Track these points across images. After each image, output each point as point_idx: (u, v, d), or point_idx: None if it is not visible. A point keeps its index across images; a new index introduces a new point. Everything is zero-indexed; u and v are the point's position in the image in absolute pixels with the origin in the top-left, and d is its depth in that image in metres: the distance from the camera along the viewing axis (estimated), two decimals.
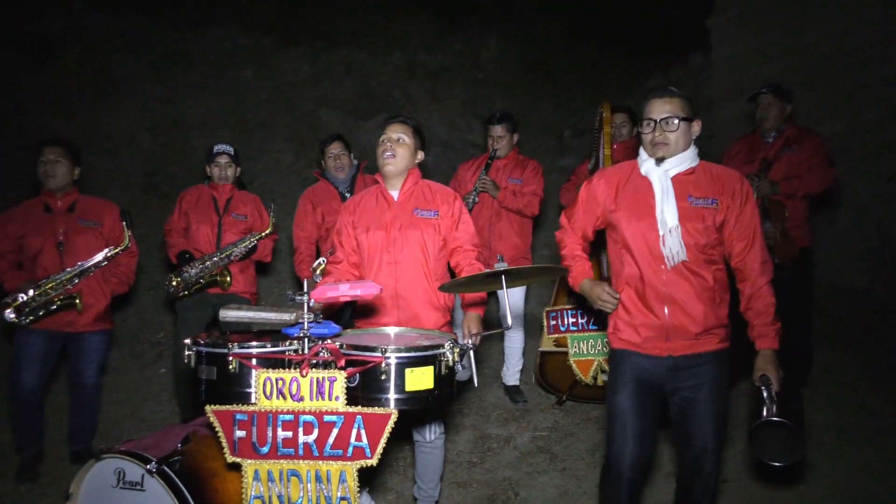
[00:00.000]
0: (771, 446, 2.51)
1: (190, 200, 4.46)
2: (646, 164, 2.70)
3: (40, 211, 4.00)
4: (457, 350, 2.38)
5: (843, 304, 6.30)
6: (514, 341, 4.81)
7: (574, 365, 4.27)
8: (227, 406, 2.28)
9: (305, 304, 2.30)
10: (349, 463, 2.25)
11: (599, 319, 4.14)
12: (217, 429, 2.28)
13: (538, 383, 4.80)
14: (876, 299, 6.26)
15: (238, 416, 2.27)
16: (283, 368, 2.31)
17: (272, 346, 2.37)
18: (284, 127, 8.52)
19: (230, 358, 2.32)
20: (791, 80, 7.16)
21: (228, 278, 4.31)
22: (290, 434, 2.26)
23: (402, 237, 3.05)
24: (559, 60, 10.38)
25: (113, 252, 4.03)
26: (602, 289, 2.71)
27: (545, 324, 4.43)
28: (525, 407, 4.69)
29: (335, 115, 8.69)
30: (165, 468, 2.47)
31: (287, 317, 2.31)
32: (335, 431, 2.25)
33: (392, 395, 2.30)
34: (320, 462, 2.26)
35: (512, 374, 4.87)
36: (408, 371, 2.30)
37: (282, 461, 2.27)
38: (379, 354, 2.29)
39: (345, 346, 2.34)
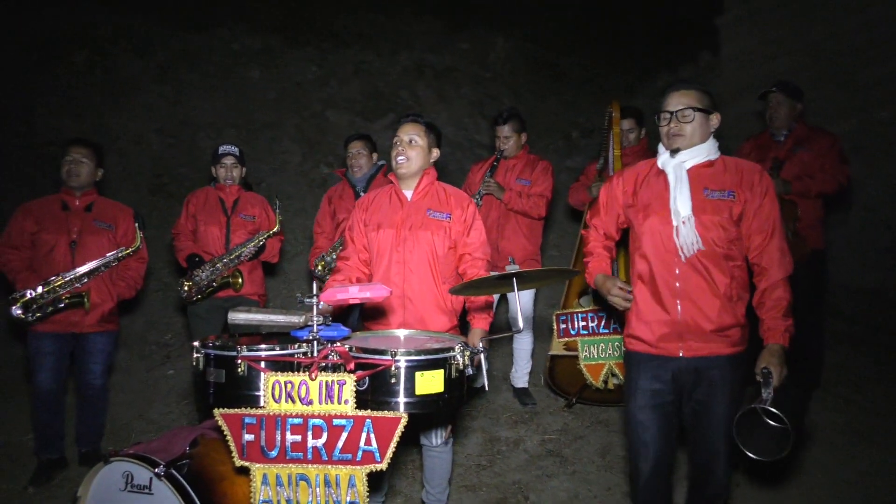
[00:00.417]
0: (758, 439, 2.43)
1: (197, 203, 4.47)
2: (662, 156, 2.71)
3: (58, 208, 4.03)
4: (467, 353, 2.35)
5: (855, 303, 6.26)
6: (523, 343, 4.78)
7: (584, 369, 4.22)
8: (236, 409, 2.26)
9: (315, 307, 2.28)
10: (358, 467, 2.22)
11: (611, 322, 4.11)
12: (225, 432, 2.26)
13: (547, 386, 4.76)
14: (887, 299, 6.21)
15: (247, 420, 2.25)
16: (292, 371, 2.29)
17: (281, 349, 2.35)
18: (292, 128, 8.51)
19: (239, 361, 2.30)
20: (801, 78, 7.10)
21: (240, 280, 4.32)
22: (298, 438, 2.24)
23: (412, 237, 3.03)
24: (567, 60, 10.34)
25: (123, 253, 4.05)
26: (614, 283, 2.72)
27: (555, 327, 4.38)
28: (534, 409, 4.66)
29: (343, 116, 8.68)
30: (174, 472, 2.46)
31: (296, 319, 2.29)
32: (344, 435, 2.22)
33: (402, 399, 2.28)
34: (329, 466, 2.24)
35: (521, 376, 4.84)
36: (418, 374, 2.27)
37: (290, 465, 2.25)
38: (389, 357, 2.26)
39: (354, 348, 2.32)
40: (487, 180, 4.55)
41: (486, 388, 2.50)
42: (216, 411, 2.26)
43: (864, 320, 5.95)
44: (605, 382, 4.19)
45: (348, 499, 2.24)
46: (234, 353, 2.30)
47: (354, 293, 2.30)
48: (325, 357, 2.30)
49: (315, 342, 2.32)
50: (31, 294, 3.75)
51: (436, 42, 9.88)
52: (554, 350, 4.45)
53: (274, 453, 2.25)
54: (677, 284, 2.59)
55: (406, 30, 9.91)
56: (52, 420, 4.04)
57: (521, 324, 2.36)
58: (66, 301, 3.85)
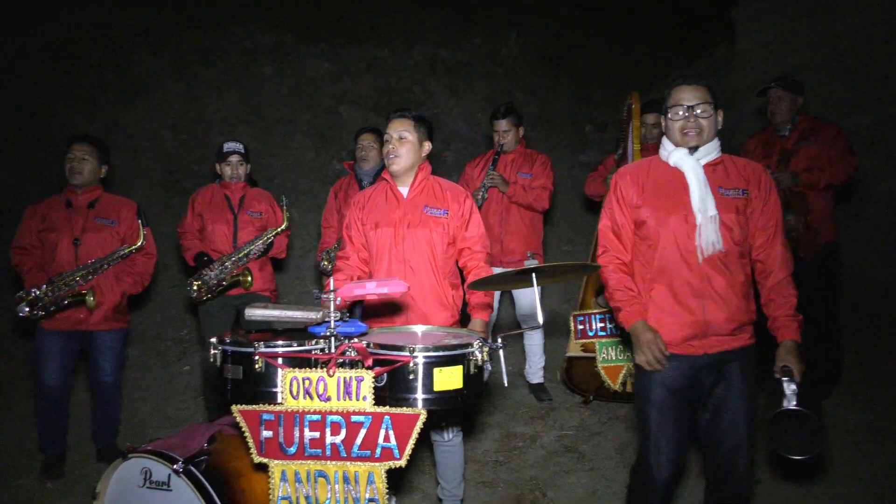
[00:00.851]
0: (788, 439, 2.42)
1: (202, 201, 4.45)
2: (676, 153, 2.61)
3: (62, 206, 4.03)
4: (486, 349, 2.32)
5: (874, 299, 6.17)
6: (534, 338, 4.76)
7: (602, 371, 4.18)
8: (254, 406, 2.25)
9: (332, 303, 2.27)
10: (377, 464, 2.21)
11: None
12: (244, 429, 2.25)
13: (564, 384, 4.73)
14: None
15: (265, 416, 2.24)
16: (309, 368, 2.28)
17: (298, 346, 2.33)
18: (305, 124, 8.51)
19: (256, 357, 2.29)
20: (818, 72, 7.03)
21: (249, 278, 4.31)
22: (317, 434, 2.23)
23: (411, 235, 3.02)
24: (580, 54, 10.26)
25: (127, 250, 4.04)
26: (657, 345, 2.53)
27: (572, 328, 4.33)
28: (551, 405, 4.63)
29: (356, 112, 8.66)
30: (192, 468, 2.46)
31: (313, 315, 2.27)
32: (363, 432, 2.21)
33: (420, 395, 2.25)
34: (348, 463, 2.22)
35: (535, 371, 4.82)
36: (436, 371, 2.25)
37: (309, 462, 2.24)
38: (407, 354, 2.24)
39: (372, 345, 2.30)
40: (492, 174, 4.53)
41: (506, 384, 2.47)
42: (234, 408, 2.25)
43: (886, 316, 5.86)
44: (624, 385, 4.14)
45: (367, 495, 2.23)
46: (252, 350, 2.29)
47: (372, 289, 2.28)
48: (343, 353, 2.29)
49: (332, 338, 2.31)
50: (35, 293, 3.76)
51: (448, 37, 9.83)
52: (571, 351, 4.41)
53: (292, 450, 2.24)
54: (699, 284, 2.55)
55: (418, 25, 9.87)
56: (56, 417, 4.06)
57: (540, 319, 2.33)
58: (70, 299, 3.85)
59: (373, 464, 2.21)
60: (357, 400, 2.21)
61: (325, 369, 2.23)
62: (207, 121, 8.13)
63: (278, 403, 2.27)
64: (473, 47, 9.86)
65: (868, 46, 6.72)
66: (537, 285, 2.30)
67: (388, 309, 3.08)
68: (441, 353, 2.26)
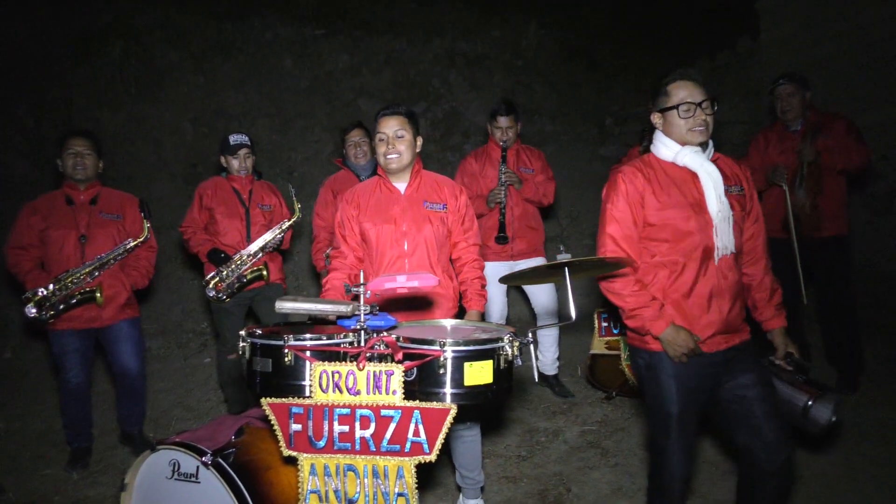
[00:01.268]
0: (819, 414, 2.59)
1: (212, 195, 4.36)
2: (686, 153, 2.54)
3: (62, 203, 3.96)
4: (516, 343, 2.30)
5: None
6: (546, 329, 4.71)
7: (627, 369, 4.14)
8: (283, 399, 2.24)
9: (361, 296, 2.25)
10: (407, 458, 2.19)
11: None
12: (273, 422, 2.25)
13: (587, 381, 4.70)
14: None
15: (294, 410, 2.23)
16: (338, 361, 2.27)
17: (327, 339, 2.32)
18: (324, 117, 8.51)
19: (286, 350, 2.28)
20: (845, 64, 6.93)
21: (265, 271, 4.29)
22: (346, 428, 2.21)
23: (413, 230, 3.02)
24: (600, 46, 10.18)
25: (132, 244, 4.02)
26: (692, 338, 2.48)
27: (596, 325, 4.30)
28: (572, 401, 4.60)
29: (374, 105, 8.64)
30: (221, 461, 2.46)
31: (344, 308, 2.25)
32: (392, 426, 2.19)
33: (450, 390, 2.23)
34: (377, 457, 2.21)
35: (548, 363, 4.74)
36: (466, 365, 2.22)
37: (338, 455, 2.23)
38: (437, 348, 2.21)
39: (402, 338, 2.28)
40: (508, 172, 4.48)
41: (536, 380, 2.44)
42: (263, 401, 2.24)
43: None
44: None
45: (396, 490, 2.21)
46: (281, 343, 2.28)
47: (402, 282, 2.26)
48: (372, 347, 2.27)
49: (362, 331, 2.29)
50: (42, 292, 3.74)
51: (467, 30, 9.79)
52: (595, 349, 4.38)
53: (322, 443, 2.22)
54: (717, 282, 2.53)
55: (438, 18, 9.83)
56: (82, 412, 4.08)
57: (573, 313, 2.29)
58: (79, 297, 3.83)
59: (402, 458, 2.19)
60: (387, 394, 2.19)
61: (354, 363, 2.21)
62: (228, 114, 8.16)
63: (307, 397, 2.25)
64: (493, 40, 9.81)
65: (892, 38, 6.60)
66: (570, 279, 2.27)
67: (390, 302, 3.07)
68: (472, 348, 2.23)
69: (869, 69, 6.74)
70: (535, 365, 2.31)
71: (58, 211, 3.94)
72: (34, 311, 3.72)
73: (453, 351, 2.22)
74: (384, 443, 2.20)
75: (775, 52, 7.98)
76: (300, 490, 2.26)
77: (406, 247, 3.01)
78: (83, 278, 3.85)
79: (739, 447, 2.59)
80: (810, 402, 2.59)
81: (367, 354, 2.26)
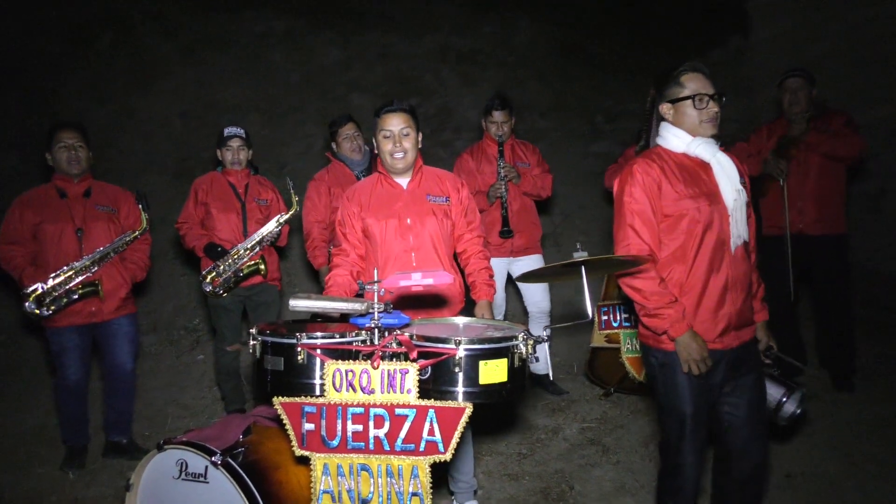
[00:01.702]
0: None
1: (207, 189, 4.31)
2: (700, 144, 2.54)
3: (55, 196, 3.87)
4: (530, 342, 2.29)
5: (892, 292, 6.14)
6: (538, 329, 4.69)
7: (626, 362, 4.15)
8: (296, 398, 2.21)
9: (376, 294, 2.22)
10: (421, 458, 2.17)
11: None
12: (285, 421, 2.22)
13: (585, 376, 4.70)
14: None
15: (307, 409, 2.21)
16: (351, 359, 2.24)
17: (340, 337, 2.29)
18: (316, 111, 8.43)
19: (298, 349, 2.25)
20: (839, 62, 6.97)
21: (263, 266, 4.24)
22: (360, 427, 2.19)
23: (417, 224, 3.00)
24: (593, 43, 10.17)
25: (132, 236, 3.98)
26: (706, 350, 2.46)
27: (596, 318, 4.30)
28: (571, 398, 4.59)
29: (366, 99, 8.59)
30: (230, 460, 2.43)
31: (358, 306, 2.23)
32: (407, 425, 2.17)
33: (465, 389, 2.21)
34: (392, 456, 2.19)
35: (541, 363, 4.67)
36: (481, 363, 2.21)
37: (352, 455, 2.20)
38: (452, 346, 2.19)
39: (416, 336, 2.26)
40: (507, 167, 4.47)
41: (551, 377, 2.43)
42: (276, 400, 2.21)
43: None
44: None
45: (411, 490, 2.19)
46: (294, 341, 2.25)
47: (418, 279, 2.24)
48: (386, 345, 2.25)
49: (376, 330, 2.27)
50: (42, 288, 3.67)
51: (460, 25, 9.74)
52: (595, 342, 4.38)
53: (335, 443, 2.20)
54: (732, 274, 2.53)
55: (430, 12, 9.77)
56: (79, 410, 4.01)
57: (589, 312, 2.28)
58: (80, 291, 3.77)
59: (417, 458, 2.18)
60: (402, 393, 2.17)
61: (368, 361, 2.19)
62: (219, 107, 8.07)
63: (320, 396, 2.23)
64: (485, 35, 9.77)
65: (885, 37, 6.65)
66: (586, 278, 2.26)
67: (399, 299, 3.03)
68: (487, 346, 2.22)
69: (858, 69, 6.78)
70: (549, 362, 2.29)
71: (51, 205, 3.85)
72: (33, 306, 3.65)
73: (468, 349, 2.21)
74: (398, 442, 2.18)
75: (767, 50, 8.02)
76: (312, 490, 2.23)
77: (412, 240, 2.99)
78: (83, 272, 3.79)
79: (716, 452, 2.68)
80: (784, 399, 2.84)
81: (381, 353, 2.24)
